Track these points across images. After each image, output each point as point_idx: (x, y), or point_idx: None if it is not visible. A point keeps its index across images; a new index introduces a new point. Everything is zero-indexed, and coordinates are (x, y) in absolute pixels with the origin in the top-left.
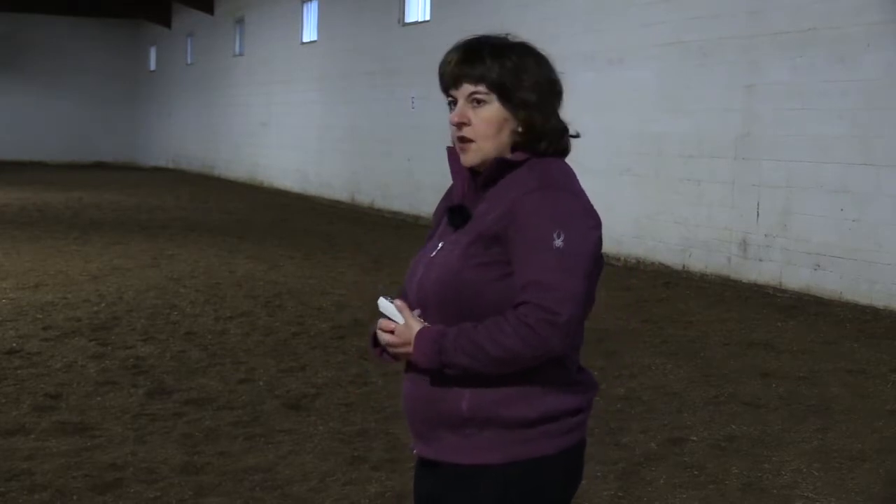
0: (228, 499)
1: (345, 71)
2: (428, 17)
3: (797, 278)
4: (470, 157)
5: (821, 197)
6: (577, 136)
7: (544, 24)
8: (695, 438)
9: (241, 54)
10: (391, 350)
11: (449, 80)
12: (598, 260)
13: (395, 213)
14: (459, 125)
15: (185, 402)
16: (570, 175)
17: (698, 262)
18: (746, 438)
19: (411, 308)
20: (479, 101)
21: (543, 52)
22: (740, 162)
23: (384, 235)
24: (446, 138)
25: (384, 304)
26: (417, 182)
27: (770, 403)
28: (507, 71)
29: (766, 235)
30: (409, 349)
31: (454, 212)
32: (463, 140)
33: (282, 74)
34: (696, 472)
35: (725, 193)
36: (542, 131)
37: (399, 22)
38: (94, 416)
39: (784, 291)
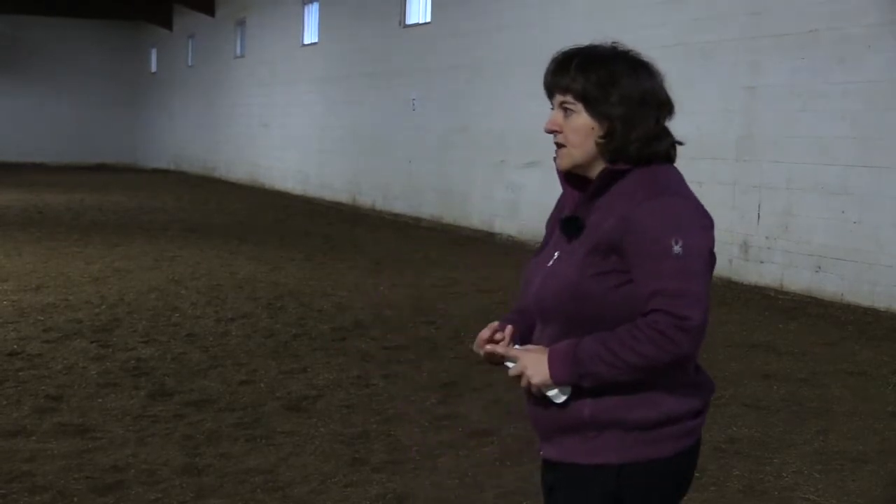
0: (230, 500)
1: (345, 72)
2: (428, 19)
3: (798, 280)
4: (562, 162)
5: (822, 198)
6: (681, 143)
7: (545, 25)
8: None
9: (241, 56)
10: (526, 374)
11: (545, 90)
12: (712, 258)
13: (397, 215)
14: (552, 132)
15: (186, 403)
16: (677, 179)
17: None
18: (747, 440)
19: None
20: (567, 110)
21: (644, 60)
22: (741, 163)
23: (385, 237)
24: (446, 140)
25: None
26: (418, 183)
27: (771, 405)
28: (591, 84)
29: (767, 237)
30: (543, 367)
31: (567, 222)
32: (557, 146)
33: (283, 76)
34: (697, 474)
35: (726, 195)
36: (623, 140)
37: (400, 24)
38: (95, 417)
39: (785, 293)
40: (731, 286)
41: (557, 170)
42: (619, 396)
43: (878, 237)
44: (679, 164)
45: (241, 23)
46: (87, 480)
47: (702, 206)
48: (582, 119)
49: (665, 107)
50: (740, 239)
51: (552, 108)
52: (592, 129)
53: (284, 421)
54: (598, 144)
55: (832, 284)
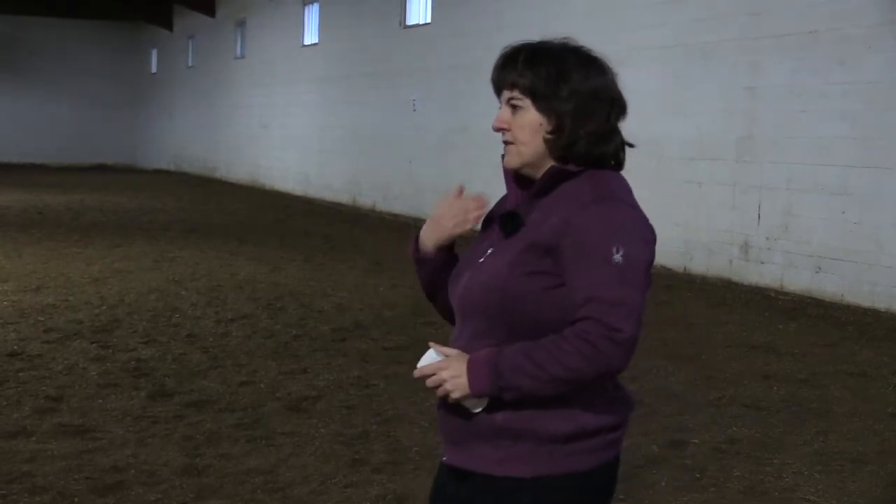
0: (230, 501)
1: (346, 73)
2: (428, 20)
3: (798, 281)
4: (510, 160)
5: (822, 199)
6: (631, 146)
7: (545, 26)
8: (696, 441)
9: (242, 57)
10: (445, 387)
11: (493, 85)
12: (649, 274)
13: (396, 216)
14: (499, 129)
15: (187, 404)
16: (625, 187)
17: (699, 265)
18: (748, 441)
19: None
20: (515, 107)
21: (596, 56)
22: (741, 164)
23: (385, 237)
24: (446, 140)
25: (432, 355)
26: (418, 184)
27: (771, 406)
28: (540, 79)
29: (767, 238)
30: (462, 380)
31: (506, 218)
32: (505, 143)
33: (283, 77)
34: (697, 475)
35: (727, 195)
36: (573, 136)
37: (400, 24)
38: (95, 418)
39: (785, 294)
40: (731, 286)
41: (504, 169)
42: (535, 405)
43: (878, 237)
44: (679, 164)
45: (242, 23)
46: (87, 481)
47: (647, 219)
48: (530, 115)
49: (617, 104)
50: (740, 239)
51: (500, 106)
52: (541, 124)
53: (285, 421)
54: (546, 141)
55: (832, 285)
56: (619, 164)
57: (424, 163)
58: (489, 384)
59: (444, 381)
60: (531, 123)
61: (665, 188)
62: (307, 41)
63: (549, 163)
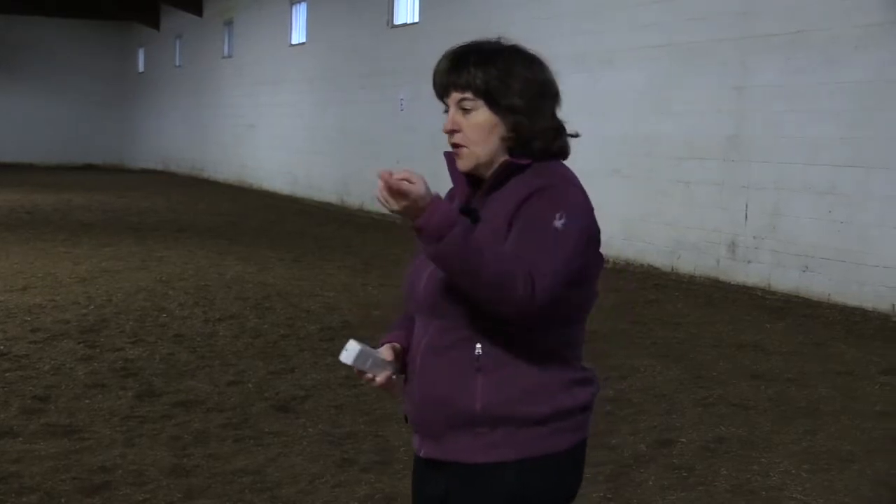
0: (218, 501)
1: (333, 73)
2: (416, 20)
3: (786, 280)
4: (464, 163)
5: (810, 198)
6: (575, 135)
7: (533, 25)
8: (684, 440)
9: (229, 56)
10: (400, 195)
11: (439, 89)
12: (598, 257)
13: (385, 215)
14: (451, 132)
15: (174, 404)
16: (572, 173)
17: (687, 264)
18: (735, 440)
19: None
20: (467, 109)
21: (535, 54)
22: (730, 163)
23: (373, 237)
24: (435, 140)
25: (353, 346)
26: None
27: (759, 405)
28: (492, 77)
29: (754, 237)
30: (414, 204)
31: (463, 213)
32: (456, 146)
33: (270, 76)
34: (684, 474)
35: (715, 195)
36: (531, 134)
37: (387, 24)
38: (82, 418)
39: (773, 293)
40: (719, 286)
41: (452, 166)
42: (512, 390)
43: (865, 237)
44: (667, 163)
45: (229, 23)
46: (74, 481)
47: (589, 200)
48: (483, 115)
49: (558, 99)
50: (728, 239)
51: (445, 110)
52: (495, 125)
53: (272, 421)
54: (503, 140)
55: (819, 284)
56: (565, 155)
57: (412, 163)
58: (440, 230)
59: (408, 192)
60: (485, 124)
61: (654, 187)
62: (295, 41)
63: (502, 159)
